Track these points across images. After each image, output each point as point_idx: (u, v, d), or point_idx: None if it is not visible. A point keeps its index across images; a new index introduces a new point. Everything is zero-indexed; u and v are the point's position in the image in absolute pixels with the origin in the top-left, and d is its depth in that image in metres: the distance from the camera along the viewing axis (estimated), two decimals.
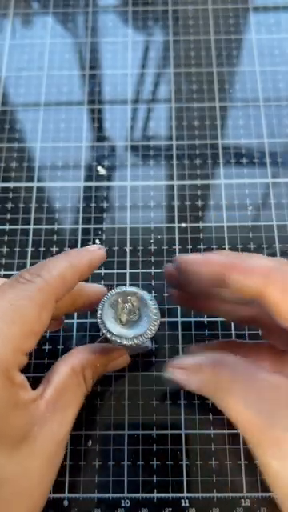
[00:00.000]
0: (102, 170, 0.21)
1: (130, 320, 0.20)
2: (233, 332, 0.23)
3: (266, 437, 0.14)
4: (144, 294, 0.20)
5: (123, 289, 0.20)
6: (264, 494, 0.20)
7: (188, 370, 0.16)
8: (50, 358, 0.23)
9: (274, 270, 0.15)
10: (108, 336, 0.19)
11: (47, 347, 0.23)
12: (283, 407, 0.14)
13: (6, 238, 0.26)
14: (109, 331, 0.19)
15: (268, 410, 0.14)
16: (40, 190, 0.27)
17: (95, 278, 0.25)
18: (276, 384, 0.14)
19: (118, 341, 0.19)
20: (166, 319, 0.24)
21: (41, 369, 0.23)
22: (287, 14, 0.32)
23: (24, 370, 0.23)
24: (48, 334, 0.23)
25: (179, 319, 0.24)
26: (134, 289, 0.20)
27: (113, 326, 0.19)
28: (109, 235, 0.26)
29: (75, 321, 0.24)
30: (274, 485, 0.14)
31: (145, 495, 0.21)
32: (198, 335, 0.23)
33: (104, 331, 0.19)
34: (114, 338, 0.19)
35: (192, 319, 0.24)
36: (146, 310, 0.20)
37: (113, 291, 0.20)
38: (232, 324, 0.23)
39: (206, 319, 0.24)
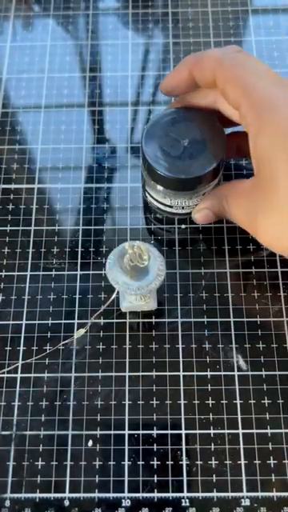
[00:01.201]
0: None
1: (136, 267, 0.21)
2: (232, 333, 0.23)
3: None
4: (153, 248, 0.21)
5: (133, 242, 0.21)
6: (264, 494, 0.20)
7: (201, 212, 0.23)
8: (51, 359, 0.23)
9: (221, 60, 0.19)
10: (113, 284, 0.20)
11: (48, 347, 0.23)
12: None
13: (7, 238, 0.26)
14: (114, 280, 0.20)
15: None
16: (41, 191, 0.27)
17: (96, 279, 0.25)
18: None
19: (123, 289, 0.20)
20: (166, 320, 0.24)
21: (41, 369, 0.23)
22: (286, 15, 0.32)
23: (24, 370, 0.23)
24: (49, 335, 0.24)
25: (179, 319, 0.24)
26: (143, 242, 0.21)
27: (119, 276, 0.20)
28: (109, 236, 0.26)
29: (76, 321, 0.24)
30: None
31: (145, 495, 0.21)
32: (198, 335, 0.23)
33: (110, 280, 0.20)
34: (118, 287, 0.20)
35: (192, 320, 0.24)
36: (152, 265, 0.21)
37: (124, 243, 0.21)
38: (232, 323, 0.24)
39: (205, 319, 0.24)
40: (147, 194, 0.25)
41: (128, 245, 0.21)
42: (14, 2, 0.33)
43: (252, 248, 0.25)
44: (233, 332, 0.23)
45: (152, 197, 0.24)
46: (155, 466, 0.21)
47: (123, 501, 0.21)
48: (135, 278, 0.21)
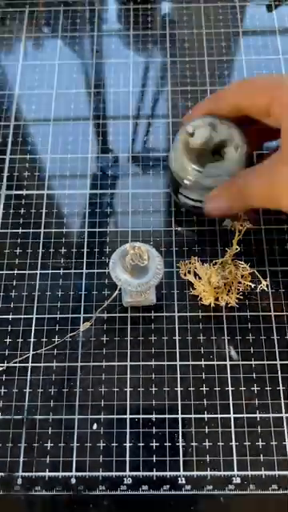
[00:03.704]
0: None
1: (136, 266, 0.21)
2: (225, 326, 0.24)
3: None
4: (152, 249, 0.22)
5: (134, 244, 0.22)
6: (253, 473, 0.21)
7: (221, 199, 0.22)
8: (59, 349, 0.24)
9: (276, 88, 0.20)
10: (115, 281, 0.21)
11: (56, 339, 0.24)
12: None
13: (19, 240, 0.27)
14: (117, 277, 0.21)
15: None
16: (50, 197, 0.28)
17: (100, 277, 0.25)
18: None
19: (124, 286, 0.21)
20: (165, 314, 0.24)
21: (50, 359, 0.23)
22: (273, 37, 0.33)
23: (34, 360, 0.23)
24: (57, 327, 0.24)
25: (176, 314, 0.24)
26: (143, 244, 0.22)
27: (120, 274, 0.21)
28: (112, 238, 0.27)
29: (81, 315, 0.24)
30: None
31: (145, 473, 0.21)
32: (193, 328, 0.24)
33: (113, 277, 0.21)
34: (120, 284, 0.21)
35: (188, 314, 0.24)
36: (152, 264, 0.21)
37: (125, 245, 0.22)
38: (224, 317, 0.24)
39: (200, 314, 0.24)
40: (182, 197, 0.24)
41: (129, 246, 0.22)
42: (26, 25, 0.34)
43: (242, 249, 0.26)
44: (225, 325, 0.24)
45: (188, 197, 0.24)
46: (154, 448, 0.22)
47: (125, 479, 0.21)
48: (136, 276, 0.21)
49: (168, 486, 0.21)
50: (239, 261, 0.25)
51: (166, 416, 0.22)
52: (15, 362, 0.23)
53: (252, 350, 0.23)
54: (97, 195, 0.28)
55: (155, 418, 0.22)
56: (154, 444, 0.22)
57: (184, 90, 0.31)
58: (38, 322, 0.24)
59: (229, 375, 0.23)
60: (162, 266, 0.21)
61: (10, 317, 0.24)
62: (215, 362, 0.23)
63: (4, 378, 0.23)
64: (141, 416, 0.22)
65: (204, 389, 0.23)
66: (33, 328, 0.24)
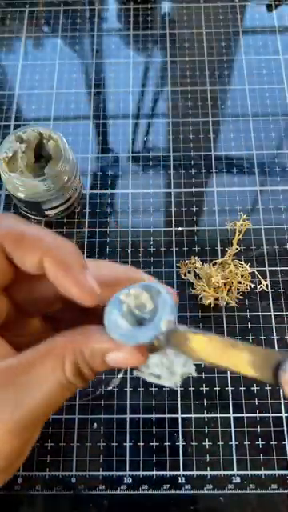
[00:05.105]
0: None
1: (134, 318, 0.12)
2: (224, 326, 0.24)
3: None
4: (158, 287, 0.12)
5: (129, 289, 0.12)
6: (253, 472, 0.21)
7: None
8: None
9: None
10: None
11: None
12: None
13: None
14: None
15: None
16: None
17: None
18: None
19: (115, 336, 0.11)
20: None
21: None
22: (273, 36, 0.33)
23: None
24: None
25: (175, 314, 0.24)
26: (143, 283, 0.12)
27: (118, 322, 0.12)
28: (112, 238, 0.26)
29: None
30: None
31: (145, 473, 0.21)
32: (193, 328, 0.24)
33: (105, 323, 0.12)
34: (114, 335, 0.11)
35: (188, 314, 0.24)
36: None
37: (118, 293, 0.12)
38: (224, 317, 0.24)
39: (200, 314, 0.24)
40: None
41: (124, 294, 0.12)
42: (26, 24, 0.34)
43: (242, 249, 0.26)
44: (225, 325, 0.24)
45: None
46: (154, 447, 0.21)
47: (125, 478, 0.21)
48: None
49: (168, 486, 0.21)
50: (239, 261, 0.24)
51: (166, 416, 0.22)
52: None
53: None
54: (97, 195, 0.28)
55: (155, 418, 0.22)
56: (154, 444, 0.21)
57: (184, 90, 0.31)
58: None
59: (229, 375, 0.22)
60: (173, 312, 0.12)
61: None
62: None
63: None
64: (141, 416, 0.22)
65: (204, 389, 0.22)
66: None
